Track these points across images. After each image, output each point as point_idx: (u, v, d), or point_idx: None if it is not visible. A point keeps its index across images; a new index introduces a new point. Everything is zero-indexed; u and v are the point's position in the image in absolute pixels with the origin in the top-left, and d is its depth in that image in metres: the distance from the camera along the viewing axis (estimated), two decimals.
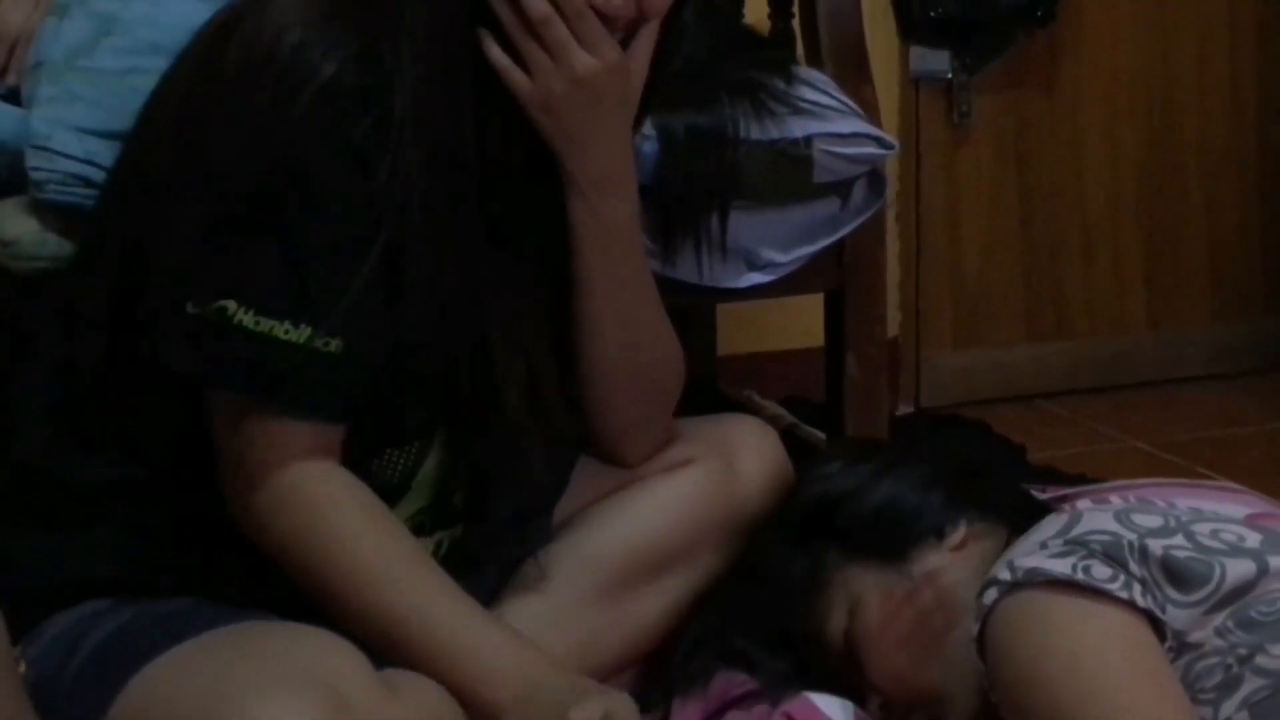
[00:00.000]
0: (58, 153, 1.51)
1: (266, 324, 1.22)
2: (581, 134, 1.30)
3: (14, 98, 1.61)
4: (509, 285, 1.35)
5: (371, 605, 1.26)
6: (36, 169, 1.52)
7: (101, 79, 1.52)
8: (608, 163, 1.33)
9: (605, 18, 1.27)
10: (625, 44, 1.30)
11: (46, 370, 1.36)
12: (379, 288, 1.24)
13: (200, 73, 1.29)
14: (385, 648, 1.26)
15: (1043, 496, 1.48)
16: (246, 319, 1.21)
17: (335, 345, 1.23)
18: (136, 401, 1.31)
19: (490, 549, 1.45)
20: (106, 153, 1.47)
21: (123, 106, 1.47)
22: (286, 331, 1.22)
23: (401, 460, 1.36)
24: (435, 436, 1.36)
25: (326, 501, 1.27)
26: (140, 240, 1.30)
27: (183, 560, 1.32)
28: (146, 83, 1.42)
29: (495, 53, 1.27)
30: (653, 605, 1.50)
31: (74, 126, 1.51)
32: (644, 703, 1.50)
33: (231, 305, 1.21)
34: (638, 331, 1.42)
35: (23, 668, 1.23)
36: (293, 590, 1.30)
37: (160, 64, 1.44)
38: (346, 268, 1.23)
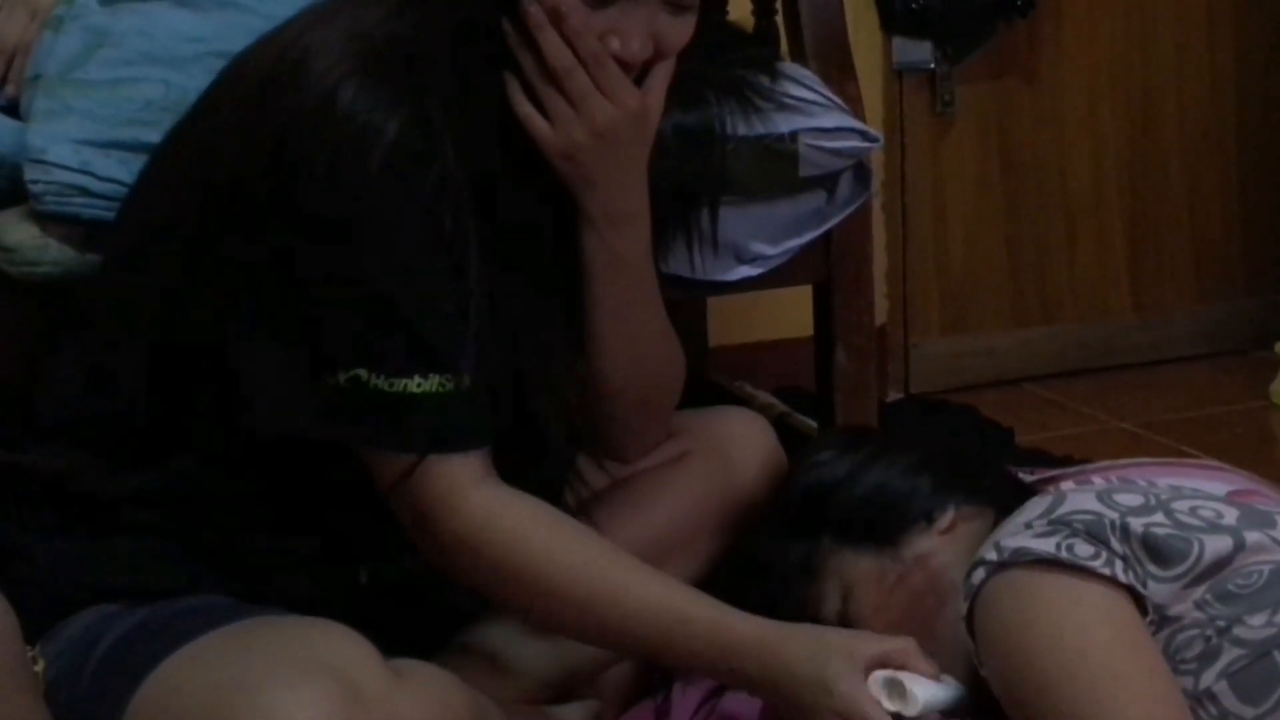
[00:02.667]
0: (54, 164, 1.53)
1: (400, 383, 1.26)
2: (600, 177, 1.33)
3: (14, 110, 1.63)
4: (538, 318, 1.38)
5: (586, 603, 1.31)
6: (34, 181, 1.54)
7: (94, 90, 1.54)
8: (624, 201, 1.36)
9: (623, 62, 1.29)
10: (640, 80, 1.32)
11: (73, 381, 1.38)
12: (475, 321, 1.28)
13: (241, 128, 1.30)
14: (632, 648, 1.34)
15: (1029, 479, 1.51)
16: (381, 383, 1.25)
17: (465, 380, 1.27)
18: (169, 417, 1.34)
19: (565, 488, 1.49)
20: (102, 162, 1.50)
21: (116, 116, 1.50)
22: (419, 385, 1.26)
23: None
24: None
25: (517, 531, 1.30)
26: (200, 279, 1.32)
27: (198, 564, 1.35)
28: (138, 91, 1.45)
29: (519, 101, 1.30)
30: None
31: (69, 139, 1.53)
32: (645, 688, 1.54)
33: (363, 373, 1.25)
34: (644, 348, 1.45)
35: (41, 665, 1.26)
36: (302, 586, 1.33)
37: (152, 73, 1.47)
38: (447, 313, 1.26)
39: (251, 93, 1.30)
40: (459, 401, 1.27)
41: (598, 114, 1.29)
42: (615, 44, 1.26)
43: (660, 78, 1.33)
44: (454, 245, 1.26)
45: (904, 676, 1.28)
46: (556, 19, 1.26)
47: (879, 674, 1.28)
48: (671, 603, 1.31)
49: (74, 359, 1.39)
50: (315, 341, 1.27)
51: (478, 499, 1.29)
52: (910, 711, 1.27)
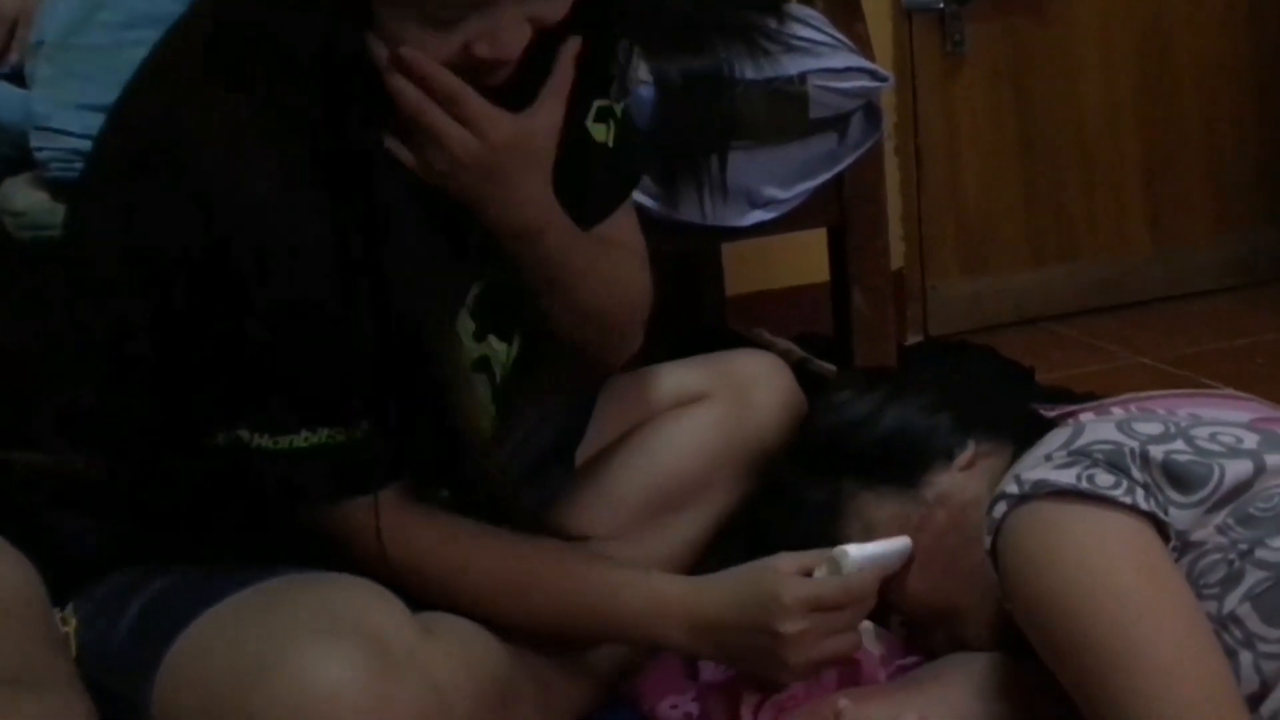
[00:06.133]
0: (58, 131, 1.53)
1: (285, 440, 1.23)
2: (483, 201, 1.27)
3: (19, 77, 1.64)
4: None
5: (537, 607, 1.35)
6: (40, 149, 1.54)
7: (95, 54, 1.54)
8: (518, 218, 1.29)
9: (501, 61, 1.21)
10: (535, 90, 1.25)
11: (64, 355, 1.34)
12: (366, 370, 1.23)
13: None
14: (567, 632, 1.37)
15: (1048, 414, 1.51)
16: (265, 442, 1.22)
17: (360, 428, 1.24)
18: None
19: (514, 494, 1.48)
20: None
21: (119, 79, 1.49)
22: (306, 439, 1.23)
23: None
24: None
25: (427, 558, 1.30)
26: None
27: (210, 534, 1.35)
28: (139, 54, 1.44)
29: (388, 133, 1.23)
30: (675, 539, 1.54)
31: (73, 104, 1.53)
32: None
33: (245, 434, 1.23)
34: (590, 309, 1.40)
35: (73, 625, 1.27)
36: (323, 546, 1.34)
37: (153, 34, 1.46)
38: (329, 371, 1.22)
39: (127, 166, 1.25)
40: (355, 448, 1.24)
41: (457, 148, 1.22)
42: (484, 49, 1.19)
43: (554, 93, 1.26)
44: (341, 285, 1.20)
45: (833, 550, 1.35)
46: (400, 63, 1.19)
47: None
48: (594, 573, 1.36)
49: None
50: (201, 396, 1.23)
51: (388, 532, 1.27)
52: (848, 566, 1.34)
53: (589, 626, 1.39)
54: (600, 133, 1.41)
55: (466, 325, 1.36)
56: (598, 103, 1.40)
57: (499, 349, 1.39)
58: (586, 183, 1.39)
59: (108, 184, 1.27)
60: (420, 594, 1.30)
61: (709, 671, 1.46)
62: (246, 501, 1.27)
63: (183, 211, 1.18)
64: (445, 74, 1.21)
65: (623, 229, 1.46)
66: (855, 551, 1.35)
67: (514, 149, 1.25)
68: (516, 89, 1.25)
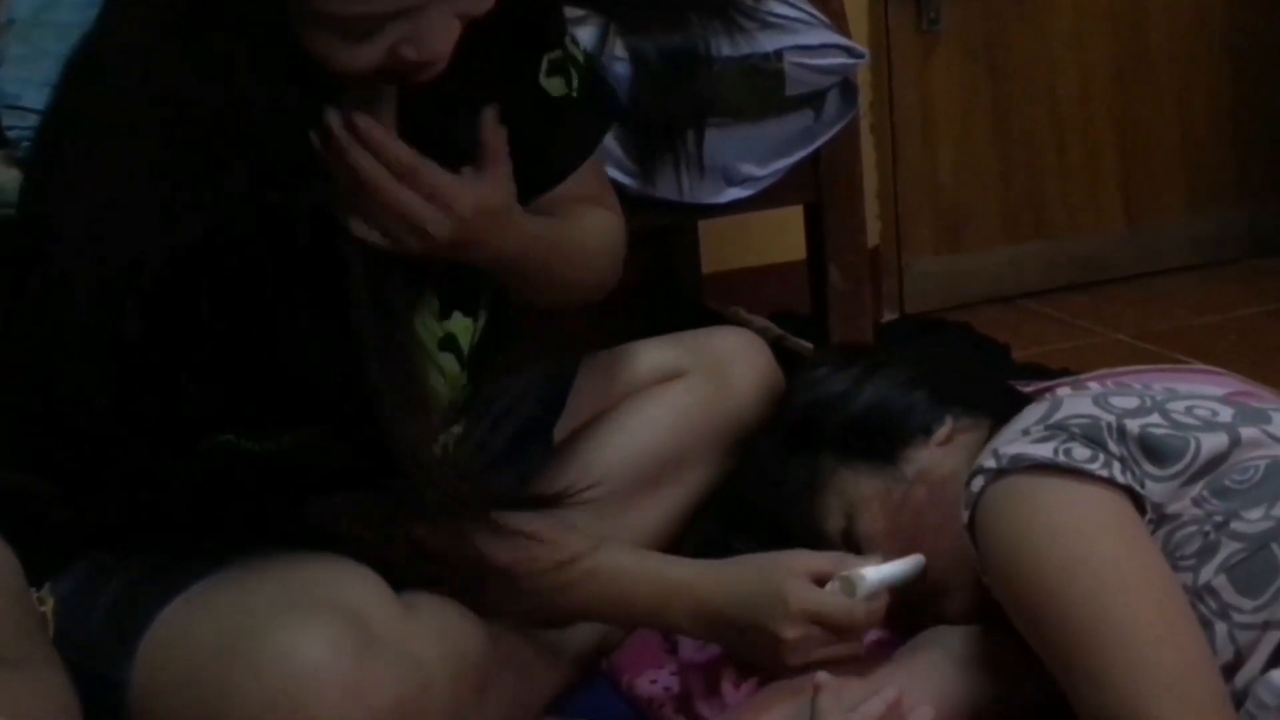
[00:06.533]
0: (30, 109, 1.52)
1: (274, 441, 1.21)
2: (460, 258, 1.28)
3: None
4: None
5: None
6: (11, 128, 1.54)
7: (66, 31, 1.52)
8: (497, 259, 1.30)
9: (429, 62, 1.17)
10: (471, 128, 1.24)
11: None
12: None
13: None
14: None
15: (1025, 389, 1.52)
16: (251, 444, 1.21)
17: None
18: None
19: (491, 473, 1.48)
20: None
21: None
22: (292, 439, 1.21)
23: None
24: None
25: None
26: None
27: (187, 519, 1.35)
28: None
29: (341, 212, 1.20)
30: (654, 515, 1.54)
31: (44, 82, 1.52)
32: None
33: (233, 438, 1.21)
34: (568, 281, 1.41)
35: (51, 604, 1.27)
36: (304, 528, 1.34)
37: None
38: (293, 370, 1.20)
39: None
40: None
41: (431, 228, 1.21)
42: (410, 52, 1.15)
43: (493, 158, 1.24)
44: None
45: (849, 571, 1.34)
46: (354, 132, 1.17)
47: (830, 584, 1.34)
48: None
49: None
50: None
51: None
52: (863, 590, 1.33)
53: (597, 612, 1.40)
54: (557, 86, 1.40)
55: (430, 304, 1.36)
56: (549, 56, 1.39)
57: (464, 325, 1.39)
58: (550, 140, 1.39)
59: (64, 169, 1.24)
60: None
61: (688, 648, 1.46)
62: (243, 504, 1.26)
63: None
64: (400, 147, 1.19)
65: (589, 182, 1.45)
66: (872, 575, 1.34)
67: (481, 213, 1.24)
68: (450, 81, 1.21)
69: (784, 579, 1.33)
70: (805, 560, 1.36)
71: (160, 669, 1.22)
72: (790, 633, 1.33)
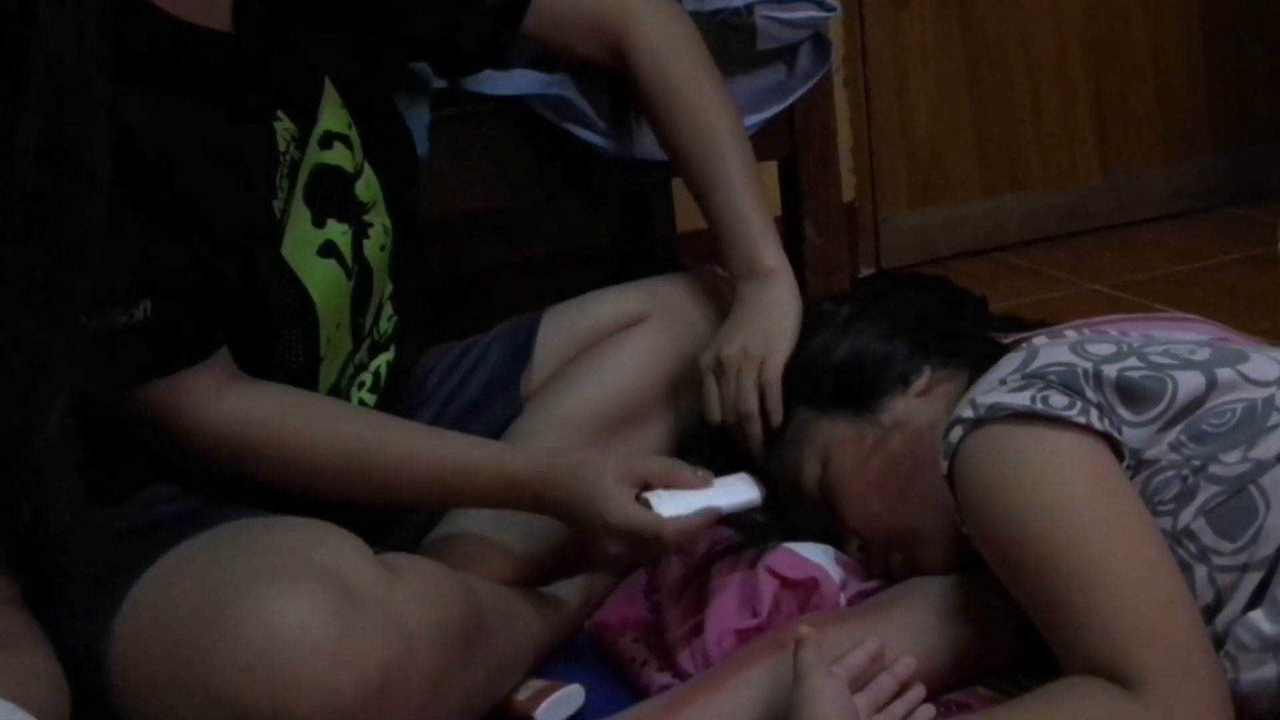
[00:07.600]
0: None
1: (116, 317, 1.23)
2: None
3: None
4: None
5: (362, 475, 1.35)
6: None
7: None
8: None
9: None
10: None
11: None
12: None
13: None
14: (421, 502, 1.40)
15: (1003, 340, 1.52)
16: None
17: (144, 309, 1.24)
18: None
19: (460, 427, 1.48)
20: None
21: None
22: (129, 316, 1.23)
23: (297, 339, 1.38)
24: (314, 306, 1.38)
25: (267, 427, 1.32)
26: None
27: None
28: None
29: None
30: None
31: None
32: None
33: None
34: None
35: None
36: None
37: None
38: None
39: None
40: (146, 329, 1.25)
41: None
42: None
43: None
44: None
45: (650, 494, 1.35)
46: None
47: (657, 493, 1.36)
48: (446, 452, 1.38)
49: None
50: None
51: (221, 407, 1.30)
52: (684, 510, 1.35)
53: (442, 502, 1.45)
54: None
55: (303, 213, 1.37)
56: None
57: (341, 230, 1.40)
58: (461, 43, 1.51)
59: None
60: (261, 476, 1.31)
61: (669, 602, 1.47)
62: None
63: None
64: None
65: None
66: (669, 509, 1.34)
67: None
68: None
69: (608, 489, 1.34)
70: (632, 465, 1.36)
71: (142, 635, 1.22)
72: (610, 547, 1.36)
